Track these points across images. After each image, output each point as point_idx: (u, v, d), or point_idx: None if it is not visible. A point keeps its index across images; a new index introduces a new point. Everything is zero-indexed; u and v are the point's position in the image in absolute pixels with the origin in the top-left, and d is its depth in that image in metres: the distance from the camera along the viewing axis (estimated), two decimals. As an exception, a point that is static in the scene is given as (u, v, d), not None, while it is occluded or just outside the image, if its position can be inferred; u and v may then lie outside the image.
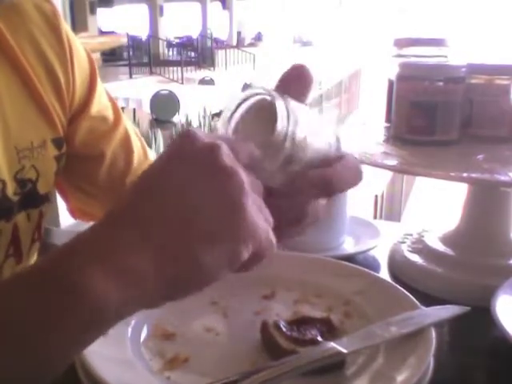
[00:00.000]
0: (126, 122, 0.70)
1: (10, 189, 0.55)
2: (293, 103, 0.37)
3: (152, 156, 0.73)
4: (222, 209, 0.33)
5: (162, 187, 0.33)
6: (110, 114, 0.67)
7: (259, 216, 0.33)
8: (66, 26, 0.61)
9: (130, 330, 0.45)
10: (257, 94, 0.38)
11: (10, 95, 0.54)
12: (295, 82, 0.40)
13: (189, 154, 0.33)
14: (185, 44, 14.83)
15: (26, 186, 0.57)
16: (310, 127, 0.38)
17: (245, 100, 0.38)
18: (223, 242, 0.32)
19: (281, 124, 0.35)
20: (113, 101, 0.69)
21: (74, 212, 0.74)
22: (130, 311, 0.34)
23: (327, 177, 0.38)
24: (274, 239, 0.34)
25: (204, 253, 0.32)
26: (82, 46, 0.63)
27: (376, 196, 3.00)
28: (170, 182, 0.33)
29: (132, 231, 0.32)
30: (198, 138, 0.34)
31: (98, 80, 0.65)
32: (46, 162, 0.59)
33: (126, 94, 6.62)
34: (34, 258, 0.64)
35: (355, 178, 0.40)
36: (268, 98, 0.37)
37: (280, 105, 0.36)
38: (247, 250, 0.33)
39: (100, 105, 0.65)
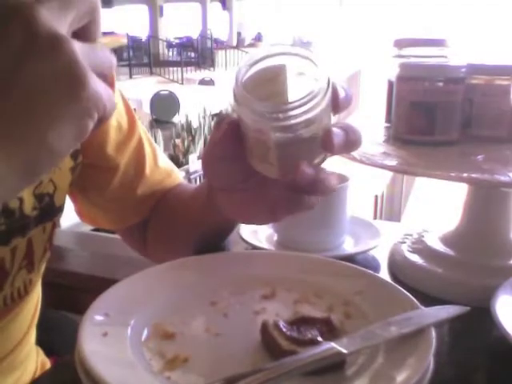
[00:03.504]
0: (140, 127, 0.69)
1: (28, 205, 0.54)
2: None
3: (163, 162, 0.72)
4: (58, 83, 0.30)
5: None
6: (125, 122, 0.66)
7: (98, 81, 0.32)
8: None
9: (129, 330, 0.45)
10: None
11: None
12: None
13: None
14: (185, 44, 14.84)
15: (44, 200, 0.57)
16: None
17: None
18: (67, 118, 0.31)
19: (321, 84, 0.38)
20: (128, 106, 0.68)
21: (80, 214, 0.74)
22: None
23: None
24: (113, 98, 0.33)
25: (50, 133, 0.31)
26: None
27: (376, 196, 3.00)
28: None
29: None
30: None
31: (115, 86, 0.64)
32: (63, 175, 0.59)
33: (126, 95, 6.58)
34: (43, 266, 0.64)
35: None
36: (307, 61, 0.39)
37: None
38: (92, 121, 0.32)
39: (116, 112, 0.64)
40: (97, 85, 0.31)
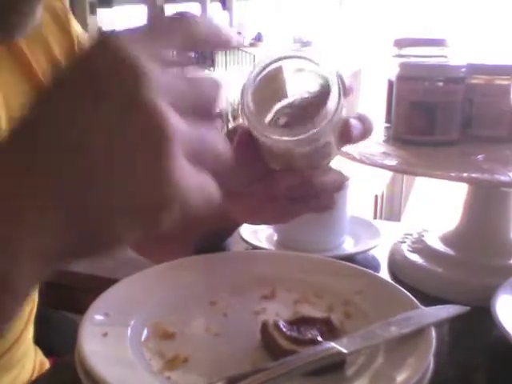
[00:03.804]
0: None
1: None
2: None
3: None
4: (140, 159, 0.26)
5: (56, 122, 0.26)
6: None
7: (191, 171, 0.27)
8: (76, 25, 0.60)
9: (129, 330, 0.45)
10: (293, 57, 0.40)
11: (19, 100, 0.54)
12: None
13: (101, 77, 0.25)
14: (185, 44, 14.85)
15: None
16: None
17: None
18: (142, 205, 0.27)
19: (334, 101, 0.39)
20: None
21: None
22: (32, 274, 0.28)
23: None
24: (216, 192, 0.29)
25: (117, 216, 0.27)
26: None
27: (376, 196, 3.00)
28: (68, 115, 0.26)
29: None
30: (122, 52, 0.25)
31: None
32: None
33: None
34: None
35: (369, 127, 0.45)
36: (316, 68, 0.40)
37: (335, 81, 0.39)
38: (171, 215, 0.27)
39: None
40: (186, 174, 0.27)
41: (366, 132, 0.45)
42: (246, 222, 0.58)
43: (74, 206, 0.26)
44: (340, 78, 0.40)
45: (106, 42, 0.26)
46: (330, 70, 0.40)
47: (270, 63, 0.41)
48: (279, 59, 0.41)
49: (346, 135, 0.43)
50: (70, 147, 0.26)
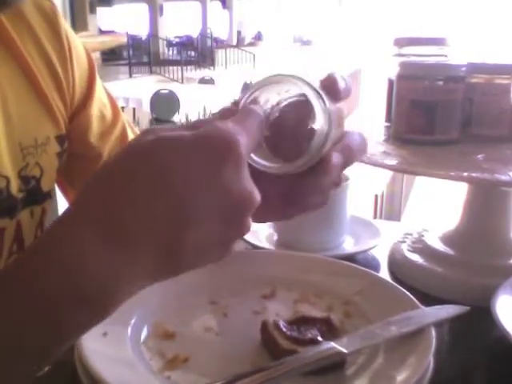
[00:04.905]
0: (124, 118, 0.70)
1: (14, 186, 0.55)
2: (327, 100, 0.37)
3: None
4: (222, 224, 0.33)
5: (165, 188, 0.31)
6: (108, 112, 0.67)
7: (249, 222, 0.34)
8: (65, 24, 0.61)
9: (129, 329, 0.45)
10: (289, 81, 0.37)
11: (14, 92, 0.54)
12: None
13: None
14: (185, 43, 14.83)
15: (30, 183, 0.57)
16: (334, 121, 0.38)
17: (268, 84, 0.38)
18: (213, 250, 0.35)
19: (321, 129, 0.36)
20: (111, 98, 0.69)
21: None
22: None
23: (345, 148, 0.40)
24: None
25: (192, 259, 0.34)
26: (82, 44, 0.63)
27: (376, 196, 3.00)
28: (179, 180, 0.31)
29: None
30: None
31: (97, 78, 0.65)
32: (49, 159, 0.59)
33: (126, 94, 6.61)
34: None
35: (363, 146, 0.42)
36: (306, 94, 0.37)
37: (320, 109, 0.36)
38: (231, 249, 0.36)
39: (99, 103, 0.65)
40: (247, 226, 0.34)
41: (350, 161, 0.42)
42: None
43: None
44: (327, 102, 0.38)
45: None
46: (316, 97, 0.37)
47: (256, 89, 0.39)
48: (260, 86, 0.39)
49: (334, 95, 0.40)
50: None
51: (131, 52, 12.15)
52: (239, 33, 18.00)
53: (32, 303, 0.30)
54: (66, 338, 0.32)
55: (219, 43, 15.35)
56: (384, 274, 0.67)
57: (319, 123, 0.37)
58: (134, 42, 12.81)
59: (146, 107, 6.84)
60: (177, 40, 15.94)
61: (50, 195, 0.61)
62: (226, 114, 0.37)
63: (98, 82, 0.65)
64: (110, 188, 0.32)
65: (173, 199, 0.31)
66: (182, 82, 10.38)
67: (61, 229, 0.32)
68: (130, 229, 0.31)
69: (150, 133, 0.33)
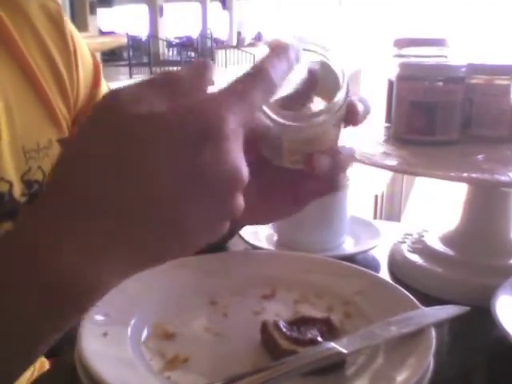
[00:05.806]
0: None
1: (17, 190, 0.54)
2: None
3: None
4: (202, 205, 0.31)
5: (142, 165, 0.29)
6: None
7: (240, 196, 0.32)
8: (70, 25, 0.60)
9: (129, 330, 0.45)
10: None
11: (16, 96, 0.54)
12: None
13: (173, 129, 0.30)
14: (185, 44, 14.83)
15: (33, 187, 0.57)
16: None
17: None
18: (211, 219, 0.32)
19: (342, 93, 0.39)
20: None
21: None
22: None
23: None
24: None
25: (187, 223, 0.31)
26: (87, 46, 0.63)
27: (376, 196, 3.00)
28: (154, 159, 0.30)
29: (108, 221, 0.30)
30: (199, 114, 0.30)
31: (102, 80, 0.64)
32: (52, 163, 0.59)
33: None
34: None
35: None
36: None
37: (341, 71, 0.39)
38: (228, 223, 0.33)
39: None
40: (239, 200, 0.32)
41: (366, 114, 0.44)
42: (247, 223, 0.58)
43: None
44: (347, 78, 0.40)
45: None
46: (340, 68, 0.40)
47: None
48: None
49: (351, 120, 0.42)
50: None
51: (131, 53, 12.15)
52: (239, 33, 18.00)
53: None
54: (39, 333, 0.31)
55: (219, 44, 15.35)
56: (384, 274, 0.67)
57: (339, 83, 0.39)
58: (134, 43, 12.80)
59: (146, 108, 6.84)
60: (177, 41, 15.93)
61: None
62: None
63: (104, 83, 0.65)
64: (74, 172, 0.31)
65: (142, 180, 0.29)
66: (182, 82, 10.37)
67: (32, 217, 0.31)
68: (97, 208, 0.30)
69: (113, 108, 0.31)
